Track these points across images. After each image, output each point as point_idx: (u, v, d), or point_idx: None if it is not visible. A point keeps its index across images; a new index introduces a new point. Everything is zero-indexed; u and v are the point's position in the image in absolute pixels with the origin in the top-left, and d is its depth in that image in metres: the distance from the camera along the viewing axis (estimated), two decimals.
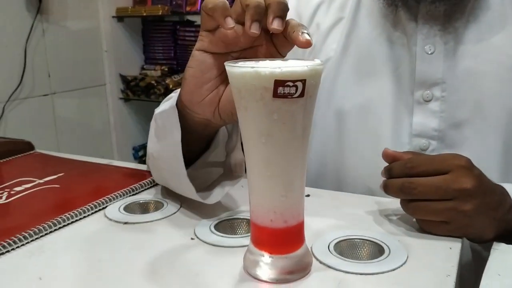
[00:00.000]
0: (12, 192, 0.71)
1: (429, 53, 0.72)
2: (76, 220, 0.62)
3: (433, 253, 0.52)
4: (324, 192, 0.71)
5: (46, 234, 0.58)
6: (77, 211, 0.63)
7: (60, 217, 0.61)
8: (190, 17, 2.57)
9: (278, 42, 0.52)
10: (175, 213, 0.63)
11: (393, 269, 0.48)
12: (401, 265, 0.48)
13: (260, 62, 0.43)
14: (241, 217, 0.61)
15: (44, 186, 0.74)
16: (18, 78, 2.01)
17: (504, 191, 0.58)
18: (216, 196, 0.60)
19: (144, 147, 2.61)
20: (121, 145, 2.53)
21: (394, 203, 0.62)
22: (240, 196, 0.65)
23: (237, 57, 0.54)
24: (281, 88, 0.39)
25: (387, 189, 0.57)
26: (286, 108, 0.41)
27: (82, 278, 0.48)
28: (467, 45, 0.72)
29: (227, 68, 0.43)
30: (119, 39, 2.45)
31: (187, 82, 0.55)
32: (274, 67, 0.39)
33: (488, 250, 0.53)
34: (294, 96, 0.40)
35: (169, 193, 0.68)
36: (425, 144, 0.74)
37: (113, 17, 2.41)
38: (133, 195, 0.71)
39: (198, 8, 2.30)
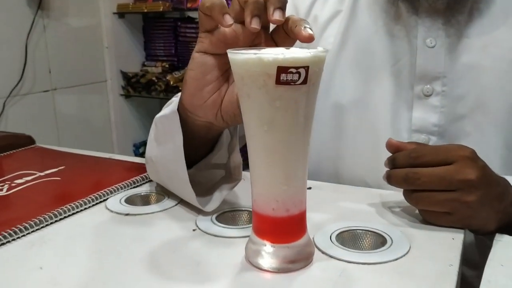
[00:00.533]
0: (12, 185, 0.71)
1: (430, 46, 0.71)
2: (77, 212, 0.62)
3: (435, 243, 0.51)
4: (326, 185, 0.71)
5: (47, 225, 0.58)
6: (78, 202, 0.63)
7: (61, 209, 0.61)
8: (191, 14, 2.57)
9: (279, 39, 0.52)
10: (176, 205, 0.63)
11: (395, 259, 0.48)
12: (403, 255, 0.48)
13: (263, 49, 0.43)
14: (243, 208, 0.60)
15: (45, 179, 0.74)
16: (19, 74, 2.01)
17: (507, 184, 0.58)
18: (214, 202, 0.60)
19: (145, 143, 2.61)
20: (121, 141, 2.52)
21: (396, 195, 0.62)
22: (242, 188, 0.65)
23: None
24: (284, 74, 0.39)
25: (391, 179, 0.57)
26: (289, 95, 0.41)
27: (83, 268, 0.48)
28: (469, 39, 0.71)
29: (229, 55, 0.43)
30: (120, 36, 2.45)
31: (188, 85, 0.54)
32: (277, 53, 0.39)
33: (491, 240, 0.53)
34: (297, 83, 0.40)
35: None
36: (425, 140, 0.73)
37: (114, 13, 2.41)
38: (134, 187, 0.70)
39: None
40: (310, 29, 0.47)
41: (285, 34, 0.50)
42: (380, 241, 0.52)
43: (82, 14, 2.27)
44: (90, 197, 0.64)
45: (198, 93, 0.54)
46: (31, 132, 0.99)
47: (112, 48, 2.40)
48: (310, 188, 0.69)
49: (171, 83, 2.36)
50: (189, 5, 2.32)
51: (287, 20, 0.48)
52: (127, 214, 0.61)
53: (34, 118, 2.08)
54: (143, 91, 2.44)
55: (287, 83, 0.40)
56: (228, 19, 0.48)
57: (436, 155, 0.55)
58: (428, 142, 0.73)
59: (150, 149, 0.65)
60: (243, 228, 0.55)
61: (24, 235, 0.55)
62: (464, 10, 0.71)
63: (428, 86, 0.72)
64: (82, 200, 0.63)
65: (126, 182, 0.70)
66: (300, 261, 0.46)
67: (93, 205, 0.64)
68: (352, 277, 0.45)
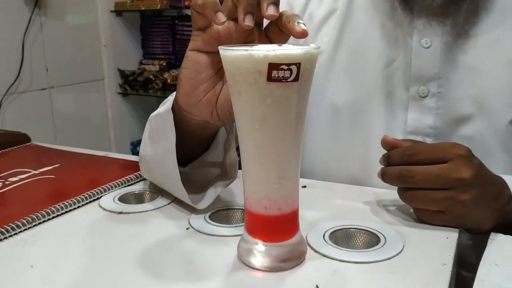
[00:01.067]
0: (6, 183, 0.71)
1: (426, 47, 0.70)
2: (71, 210, 0.62)
3: (429, 242, 0.51)
4: (321, 184, 0.71)
5: (40, 223, 0.58)
6: (71, 200, 0.62)
7: (54, 207, 0.60)
8: (189, 12, 2.56)
9: (272, 36, 0.51)
10: (170, 203, 0.63)
11: (389, 258, 0.47)
12: (397, 254, 0.48)
13: (255, 46, 0.43)
14: (236, 207, 0.60)
15: (39, 177, 0.74)
16: (16, 72, 2.00)
17: (503, 183, 0.58)
18: (207, 200, 0.59)
19: None
20: (119, 140, 2.52)
21: (390, 193, 0.62)
22: (237, 187, 0.65)
23: None
24: (275, 71, 0.39)
25: (385, 177, 0.57)
26: (280, 92, 0.40)
27: (75, 267, 0.48)
28: (465, 40, 0.70)
29: (221, 51, 0.42)
30: (118, 34, 2.44)
31: (183, 84, 0.54)
32: (268, 50, 0.39)
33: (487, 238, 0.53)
34: (288, 80, 0.40)
35: None
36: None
37: (111, 11, 2.40)
38: (128, 185, 0.70)
39: None
40: (304, 24, 0.46)
41: (278, 30, 0.49)
42: (373, 240, 0.52)
43: (79, 12, 2.26)
44: (83, 195, 0.64)
45: (192, 92, 0.54)
46: (28, 130, 0.99)
47: (109, 46, 2.39)
48: (305, 186, 0.69)
49: (169, 81, 2.35)
50: (186, 3, 2.32)
51: (280, 15, 0.48)
52: (120, 213, 0.60)
53: (31, 116, 2.08)
54: (141, 89, 2.43)
55: (278, 80, 0.39)
56: (221, 17, 0.47)
57: (431, 153, 0.55)
58: None
59: (143, 147, 0.65)
60: (237, 226, 0.55)
61: (16, 233, 0.55)
62: (461, 10, 0.69)
63: (424, 87, 0.71)
64: (75, 198, 0.63)
65: (120, 180, 0.70)
66: (292, 260, 0.46)
67: (87, 203, 0.64)
68: (344, 276, 0.45)
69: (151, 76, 2.41)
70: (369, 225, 0.54)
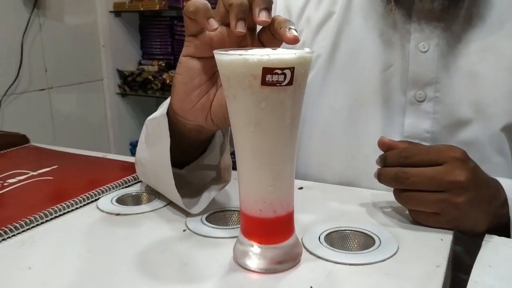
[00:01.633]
0: (5, 184, 0.71)
1: (423, 51, 0.70)
2: (68, 212, 0.62)
3: (424, 244, 0.52)
4: (317, 185, 0.71)
5: (37, 225, 0.58)
6: (69, 202, 0.63)
7: (52, 208, 0.61)
8: None
9: (265, 40, 0.51)
10: (167, 205, 0.63)
11: (383, 260, 0.48)
12: (391, 256, 0.48)
13: (250, 50, 0.43)
14: (233, 208, 0.60)
15: (38, 178, 0.74)
16: (15, 73, 2.00)
17: (498, 185, 0.58)
18: (201, 204, 0.60)
19: None
20: (118, 140, 2.52)
21: (387, 195, 0.62)
22: (234, 188, 0.65)
23: None
24: (270, 75, 0.39)
25: (381, 178, 0.57)
26: (275, 96, 0.41)
27: (71, 269, 0.48)
28: (463, 45, 0.69)
29: (216, 56, 0.43)
30: (116, 34, 2.45)
31: (177, 90, 0.54)
32: (262, 54, 0.39)
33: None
34: (282, 84, 0.40)
35: None
36: None
37: (110, 12, 2.40)
38: (126, 187, 0.71)
39: None
40: (295, 30, 0.46)
41: (271, 35, 0.49)
42: (368, 241, 0.52)
43: (78, 12, 2.27)
44: (81, 197, 0.64)
45: (187, 97, 0.54)
46: (27, 131, 0.99)
47: (108, 46, 2.39)
48: (301, 188, 0.69)
49: (168, 81, 2.35)
50: (185, 3, 2.31)
51: (273, 21, 0.48)
52: (117, 214, 0.61)
53: (30, 117, 2.08)
54: (140, 90, 2.44)
55: (272, 84, 0.40)
56: (213, 23, 0.48)
57: (426, 155, 0.55)
58: None
59: (140, 150, 0.65)
60: (233, 228, 0.55)
61: (14, 235, 0.55)
62: (459, 15, 0.69)
63: (421, 91, 0.71)
64: (73, 200, 0.63)
65: (117, 181, 0.70)
66: (287, 261, 0.46)
67: (84, 204, 0.64)
68: (339, 278, 0.45)
69: (150, 77, 2.41)
70: (364, 227, 0.54)
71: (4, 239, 0.54)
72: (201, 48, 0.51)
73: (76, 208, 0.63)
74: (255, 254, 0.46)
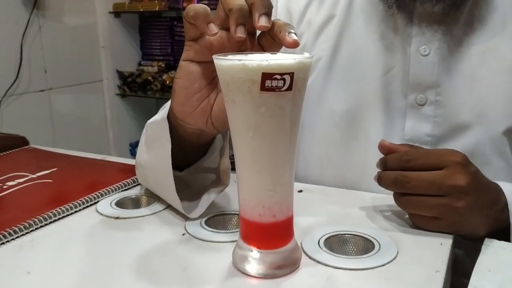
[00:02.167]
0: (4, 187, 0.71)
1: (424, 54, 0.70)
2: (68, 215, 0.62)
3: (423, 248, 0.51)
4: (317, 188, 0.71)
5: (36, 228, 0.58)
6: (68, 205, 0.63)
7: (51, 212, 0.61)
8: None
9: (265, 45, 0.51)
10: (166, 208, 0.63)
11: (382, 265, 0.47)
12: (391, 261, 0.48)
13: (249, 55, 0.43)
14: (232, 212, 0.60)
15: (37, 181, 0.74)
16: (14, 74, 2.00)
17: (499, 190, 0.58)
18: (200, 208, 0.59)
19: None
20: (118, 141, 2.52)
21: (386, 199, 0.62)
22: (233, 192, 0.65)
23: None
24: (269, 81, 0.39)
25: (381, 181, 0.57)
26: (274, 101, 0.41)
27: (70, 273, 0.48)
28: (465, 48, 0.69)
29: (215, 61, 0.43)
30: (116, 35, 2.44)
31: (177, 94, 0.54)
32: (261, 59, 0.39)
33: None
34: (282, 90, 0.40)
35: None
36: None
37: (110, 12, 2.40)
38: (125, 190, 0.70)
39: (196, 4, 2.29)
40: (295, 34, 0.46)
41: (271, 39, 0.49)
42: (368, 246, 0.52)
43: (78, 13, 2.26)
44: (80, 200, 0.64)
45: (187, 102, 0.54)
46: (26, 132, 0.99)
47: (108, 47, 2.39)
48: (301, 191, 0.69)
49: (167, 82, 2.35)
50: (185, 4, 2.32)
51: (272, 25, 0.48)
52: (117, 218, 0.61)
53: (30, 118, 2.08)
54: (139, 91, 2.43)
55: (272, 89, 0.40)
56: (213, 28, 0.48)
57: (427, 159, 0.55)
58: None
59: (140, 153, 0.65)
60: (232, 232, 0.55)
61: (13, 239, 0.55)
62: (460, 18, 0.69)
63: (422, 95, 0.70)
64: (72, 203, 0.63)
65: (117, 184, 0.70)
66: (286, 266, 0.46)
67: (84, 208, 0.64)
68: (338, 283, 0.45)
69: (149, 78, 2.41)
70: (364, 231, 0.54)
71: (3, 243, 0.54)
72: (201, 52, 0.51)
73: (75, 212, 0.63)
74: (254, 259, 0.46)
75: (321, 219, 0.59)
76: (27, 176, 0.76)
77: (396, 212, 0.60)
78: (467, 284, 0.45)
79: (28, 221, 0.58)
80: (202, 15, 0.48)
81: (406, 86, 0.72)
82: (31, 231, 0.57)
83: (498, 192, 0.57)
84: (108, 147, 2.48)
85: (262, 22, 0.46)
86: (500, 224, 0.56)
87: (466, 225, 0.55)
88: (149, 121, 0.62)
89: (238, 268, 0.47)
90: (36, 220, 0.58)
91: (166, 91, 2.34)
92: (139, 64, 2.57)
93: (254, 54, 0.45)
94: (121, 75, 2.47)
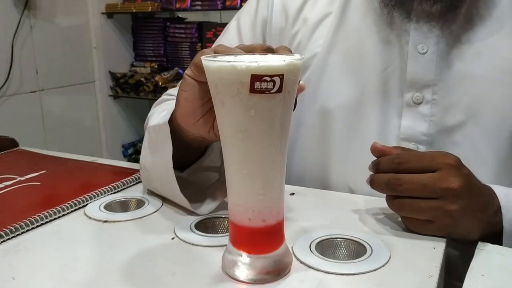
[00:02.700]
0: None
1: (422, 53, 0.69)
2: (55, 219, 0.61)
3: (416, 253, 0.51)
4: (309, 191, 0.70)
5: (23, 232, 0.57)
6: (55, 209, 0.62)
7: (38, 215, 0.59)
8: (180, 14, 2.55)
9: None
10: (156, 211, 0.62)
11: (374, 270, 0.47)
12: (383, 265, 0.48)
13: (238, 56, 0.42)
14: (223, 216, 0.59)
15: (25, 184, 0.73)
16: (5, 75, 1.98)
17: (492, 193, 0.57)
18: (209, 205, 0.60)
19: (133, 144, 2.59)
20: (110, 142, 2.50)
21: (379, 201, 0.61)
22: (224, 194, 0.64)
23: None
24: (258, 83, 0.38)
25: (373, 184, 0.56)
26: (264, 104, 0.40)
27: (56, 278, 0.47)
28: (462, 46, 0.68)
29: (203, 62, 0.42)
30: (109, 36, 2.43)
31: (181, 105, 0.54)
32: (250, 61, 0.38)
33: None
34: (271, 92, 0.39)
35: (151, 191, 0.67)
36: (413, 149, 0.71)
37: (102, 13, 2.39)
38: (114, 193, 0.69)
39: (188, 5, 2.28)
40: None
41: None
42: (360, 250, 0.51)
43: (70, 14, 2.25)
44: (68, 203, 0.63)
45: (191, 113, 0.54)
46: (18, 133, 0.98)
47: (100, 48, 2.38)
48: (293, 194, 0.68)
49: (160, 83, 2.34)
50: (178, 5, 2.31)
51: (275, 51, 0.49)
52: (105, 221, 0.60)
53: (21, 120, 2.06)
54: (132, 92, 2.42)
55: (261, 91, 0.39)
56: None
57: (420, 161, 0.54)
58: None
59: (143, 156, 0.65)
60: (222, 236, 0.54)
61: None
62: (458, 16, 0.68)
63: (418, 93, 0.70)
64: (60, 207, 0.62)
65: (106, 187, 0.69)
66: (277, 272, 0.45)
67: (72, 211, 0.63)
68: None
69: (142, 79, 2.39)
70: (356, 234, 0.53)
71: None
72: (203, 76, 0.51)
73: (63, 215, 0.62)
74: (244, 264, 0.45)
75: (313, 223, 0.58)
76: (16, 178, 0.75)
77: (389, 215, 0.60)
78: (459, 287, 0.45)
79: (14, 224, 0.57)
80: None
81: (403, 85, 0.71)
82: (17, 235, 0.56)
83: (491, 196, 0.57)
84: (100, 148, 2.47)
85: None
86: (493, 228, 0.56)
87: (459, 228, 0.54)
88: (151, 124, 0.63)
89: (227, 273, 0.46)
90: (22, 224, 0.57)
91: (158, 92, 2.33)
92: (132, 65, 2.56)
93: (244, 56, 0.44)
94: (113, 76, 2.46)
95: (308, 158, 0.78)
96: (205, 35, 2.36)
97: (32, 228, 0.58)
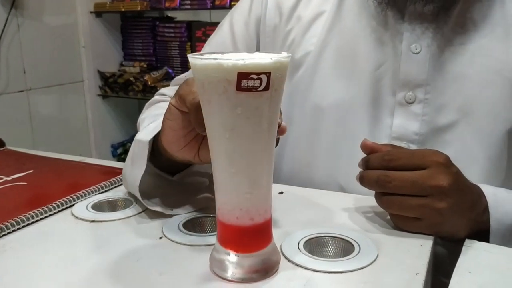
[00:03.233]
0: None
1: (415, 52, 0.69)
2: (41, 219, 0.60)
3: (404, 250, 0.51)
4: (298, 189, 0.70)
5: (9, 232, 0.56)
6: (42, 209, 0.61)
7: (24, 215, 0.59)
8: (170, 13, 2.55)
9: None
10: (144, 211, 0.62)
11: (362, 268, 0.47)
12: (371, 263, 0.48)
13: (225, 54, 0.42)
14: (211, 215, 0.59)
15: (11, 184, 0.72)
16: None
17: (480, 192, 0.58)
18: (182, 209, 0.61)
19: (123, 144, 2.58)
20: (99, 142, 2.49)
21: (368, 200, 0.61)
22: (211, 194, 0.64)
23: None
24: (245, 81, 0.38)
25: (363, 181, 0.57)
26: (250, 102, 0.40)
27: (44, 279, 0.47)
28: (455, 47, 0.69)
29: (190, 60, 0.42)
30: (97, 35, 2.42)
31: (166, 133, 0.55)
32: (237, 59, 0.38)
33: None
34: (258, 90, 0.39)
35: None
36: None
37: (91, 12, 2.37)
38: (102, 192, 0.69)
39: (178, 4, 2.27)
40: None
41: None
42: (348, 248, 0.51)
43: (58, 13, 2.23)
44: (55, 203, 0.63)
45: (175, 141, 0.55)
46: (5, 133, 0.97)
47: (89, 47, 2.36)
48: (282, 192, 0.68)
49: (149, 83, 2.33)
50: (167, 4, 2.30)
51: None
52: (92, 221, 0.59)
53: (8, 120, 2.04)
54: (121, 91, 2.41)
55: (248, 89, 0.39)
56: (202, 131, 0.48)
57: (409, 159, 0.55)
58: None
59: (125, 165, 0.65)
60: (210, 235, 0.54)
61: None
62: (451, 18, 0.69)
63: (411, 93, 0.70)
64: (47, 207, 0.62)
65: (94, 187, 0.69)
66: (264, 270, 0.45)
67: (59, 211, 0.62)
68: (317, 287, 0.44)
69: (131, 78, 2.38)
70: (344, 233, 0.53)
71: None
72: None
73: (50, 215, 0.61)
74: (232, 263, 0.45)
75: (301, 221, 0.58)
76: (2, 178, 0.74)
77: (377, 213, 0.60)
78: (447, 284, 0.45)
79: (0, 225, 0.56)
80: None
81: (396, 84, 0.71)
82: (3, 235, 0.56)
83: (479, 194, 0.57)
84: (89, 148, 2.45)
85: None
86: (480, 226, 0.56)
87: (447, 226, 0.54)
88: (138, 135, 0.62)
89: (215, 272, 0.46)
90: (8, 224, 0.57)
91: (148, 92, 2.32)
92: (121, 65, 2.55)
93: (230, 53, 0.43)
94: (102, 75, 2.45)
95: (299, 156, 0.78)
96: (195, 34, 2.35)
97: (19, 229, 0.57)
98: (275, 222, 0.57)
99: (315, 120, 0.76)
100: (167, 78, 2.38)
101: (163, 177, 0.64)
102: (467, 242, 0.53)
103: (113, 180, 0.71)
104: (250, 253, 0.45)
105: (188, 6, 2.26)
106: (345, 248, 0.51)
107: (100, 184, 0.70)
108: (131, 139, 2.58)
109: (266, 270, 0.45)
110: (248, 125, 0.41)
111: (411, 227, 0.55)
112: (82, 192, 0.67)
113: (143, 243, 0.53)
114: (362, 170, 0.58)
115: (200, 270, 0.47)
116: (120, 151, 2.57)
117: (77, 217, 0.60)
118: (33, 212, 0.60)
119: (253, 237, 0.45)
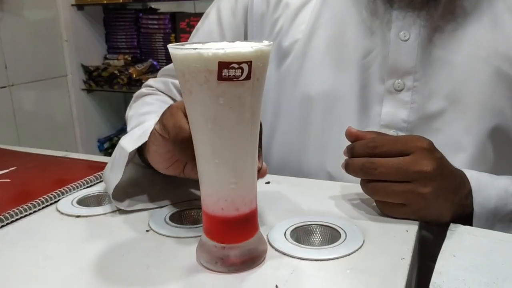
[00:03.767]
0: None
1: (404, 40, 0.69)
2: (26, 215, 0.60)
3: (389, 236, 0.51)
4: (284, 179, 0.70)
5: None
6: (26, 205, 0.60)
7: (8, 213, 0.58)
8: (153, 5, 2.52)
9: None
10: None
11: (348, 254, 0.47)
12: (357, 250, 0.48)
13: (206, 44, 0.41)
14: (197, 207, 0.59)
15: None
16: None
17: (463, 176, 0.58)
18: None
19: (109, 139, 2.56)
20: (85, 137, 2.46)
21: (354, 187, 0.62)
22: (197, 186, 0.63)
23: None
24: (226, 70, 0.38)
25: (348, 168, 0.57)
26: (232, 91, 0.39)
27: (27, 277, 0.46)
28: (443, 34, 0.69)
29: (170, 50, 0.41)
30: (80, 28, 2.38)
31: (151, 156, 0.56)
32: (217, 48, 0.38)
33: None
34: (240, 79, 0.39)
35: None
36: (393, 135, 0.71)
37: (72, 5, 2.33)
38: (88, 187, 0.68)
39: None
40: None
41: None
42: (334, 235, 0.51)
43: (38, 6, 2.19)
44: (40, 200, 0.62)
45: (160, 162, 0.56)
46: None
47: (71, 41, 2.33)
48: (268, 182, 0.68)
49: (134, 76, 2.31)
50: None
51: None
52: (78, 216, 0.59)
53: None
54: (106, 85, 2.38)
55: (229, 79, 0.38)
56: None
57: (393, 145, 0.55)
58: None
59: (106, 168, 0.64)
60: (197, 227, 0.54)
61: None
62: (440, 6, 0.68)
63: (399, 80, 0.70)
64: (31, 203, 0.61)
65: (79, 182, 0.68)
66: (251, 260, 0.45)
67: (43, 207, 0.62)
68: (303, 275, 0.44)
69: (116, 71, 2.36)
70: (330, 220, 0.54)
71: None
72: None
73: (34, 212, 0.61)
74: (218, 254, 0.45)
75: (288, 210, 0.58)
76: None
77: (363, 200, 0.60)
78: (433, 268, 0.45)
79: None
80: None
81: (384, 71, 0.71)
82: None
83: (462, 179, 0.58)
84: (75, 144, 2.43)
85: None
86: (464, 210, 0.57)
87: (432, 210, 0.55)
88: (122, 139, 0.62)
89: (202, 264, 0.46)
90: None
91: (133, 85, 2.30)
92: (105, 58, 2.51)
93: (211, 43, 0.43)
94: (86, 69, 2.41)
95: (288, 145, 0.78)
96: (179, 25, 2.33)
97: (3, 226, 0.57)
98: (262, 212, 0.57)
99: (304, 109, 0.75)
100: (152, 71, 2.36)
101: (147, 168, 0.64)
102: (452, 226, 0.54)
103: (99, 175, 0.71)
104: (236, 243, 0.45)
105: None
106: (332, 235, 0.52)
107: (86, 178, 0.69)
108: (117, 133, 2.56)
109: (253, 260, 0.45)
110: (231, 115, 0.40)
111: (397, 213, 0.55)
112: (67, 188, 0.66)
113: (130, 236, 0.53)
114: (347, 158, 0.58)
115: (187, 262, 0.47)
116: (107, 145, 2.55)
117: (62, 213, 0.60)
118: (17, 209, 0.59)
119: (239, 227, 0.45)
